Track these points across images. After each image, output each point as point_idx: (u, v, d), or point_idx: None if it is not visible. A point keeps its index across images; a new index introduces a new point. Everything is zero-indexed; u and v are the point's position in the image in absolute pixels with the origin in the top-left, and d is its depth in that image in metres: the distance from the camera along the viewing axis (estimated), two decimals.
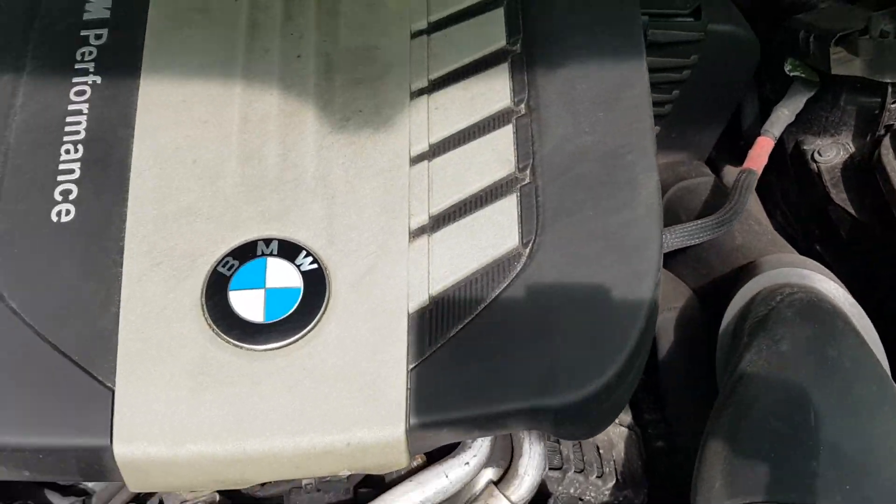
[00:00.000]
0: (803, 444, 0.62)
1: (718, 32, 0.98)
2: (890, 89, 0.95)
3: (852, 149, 1.02)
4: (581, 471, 0.84)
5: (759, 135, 0.99)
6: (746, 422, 0.66)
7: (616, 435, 0.88)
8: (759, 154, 0.97)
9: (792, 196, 1.08)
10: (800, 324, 0.73)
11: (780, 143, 1.06)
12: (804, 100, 1.01)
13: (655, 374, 0.94)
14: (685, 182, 1.07)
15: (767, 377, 0.68)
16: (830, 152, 1.03)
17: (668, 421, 0.92)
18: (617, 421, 0.89)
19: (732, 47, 1.00)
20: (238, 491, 0.81)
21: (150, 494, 0.84)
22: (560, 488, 0.84)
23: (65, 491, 0.85)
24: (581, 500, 0.84)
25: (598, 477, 0.85)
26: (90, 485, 0.85)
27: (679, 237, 0.91)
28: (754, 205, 1.09)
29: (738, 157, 1.05)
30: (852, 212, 0.99)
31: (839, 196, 1.01)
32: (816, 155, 1.04)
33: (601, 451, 0.85)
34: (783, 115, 1.00)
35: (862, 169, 0.99)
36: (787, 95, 1.02)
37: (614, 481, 0.86)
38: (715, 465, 0.66)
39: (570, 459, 0.85)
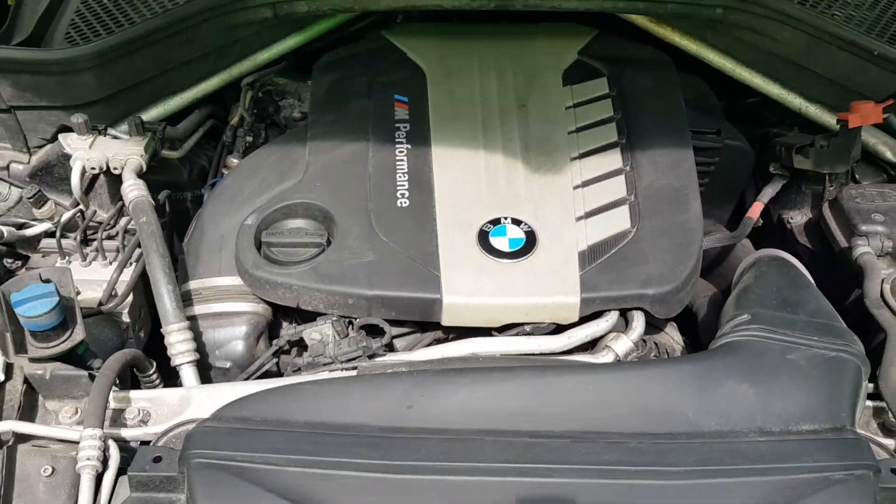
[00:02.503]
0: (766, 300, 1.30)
1: (731, 145, 1.74)
2: (827, 178, 1.69)
3: (810, 215, 1.75)
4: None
5: (755, 202, 1.73)
6: (747, 291, 1.35)
7: (675, 342, 1.55)
8: (755, 211, 1.71)
9: (777, 243, 1.80)
10: (777, 262, 1.44)
11: (769, 214, 1.79)
12: (780, 185, 1.76)
13: (695, 334, 1.62)
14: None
15: (756, 275, 1.38)
16: (798, 217, 1.77)
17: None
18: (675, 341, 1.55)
19: (739, 155, 1.77)
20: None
21: None
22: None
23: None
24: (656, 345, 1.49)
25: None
26: None
27: (710, 241, 1.63)
28: (747, 243, 1.79)
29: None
30: (810, 247, 1.70)
31: (802, 241, 1.72)
32: (790, 219, 1.77)
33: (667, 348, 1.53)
34: (768, 192, 1.75)
35: (815, 225, 1.72)
36: (770, 183, 1.77)
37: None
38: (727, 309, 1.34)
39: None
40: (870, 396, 1.29)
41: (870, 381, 1.28)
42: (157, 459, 1.07)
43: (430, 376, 1.14)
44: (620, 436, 1.06)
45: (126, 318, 1.48)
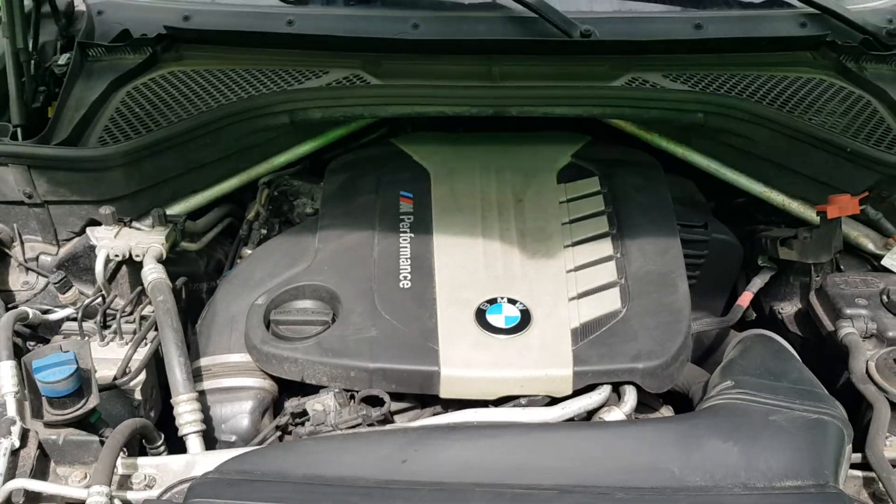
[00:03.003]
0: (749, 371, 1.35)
1: (718, 238, 1.84)
2: (812, 268, 1.77)
3: (799, 305, 1.82)
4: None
5: (745, 292, 1.81)
6: (732, 363, 1.40)
7: None
8: (745, 299, 1.78)
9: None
10: (761, 338, 1.50)
11: (761, 307, 1.86)
12: (769, 276, 1.84)
13: None
14: None
15: (741, 350, 1.43)
16: (788, 308, 1.83)
17: None
18: None
19: (728, 248, 1.85)
20: None
21: None
22: None
23: None
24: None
25: None
26: None
27: (700, 325, 1.69)
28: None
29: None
30: (801, 335, 1.76)
31: (793, 330, 1.78)
32: (780, 310, 1.84)
33: None
34: (757, 282, 1.82)
35: (805, 314, 1.78)
36: (759, 274, 1.85)
37: None
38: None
39: None
40: (859, 466, 1.32)
41: (858, 451, 1.31)
42: None
43: (424, 433, 1.19)
44: (607, 489, 1.09)
45: (138, 396, 1.53)
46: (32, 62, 1.94)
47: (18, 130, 1.84)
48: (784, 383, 1.30)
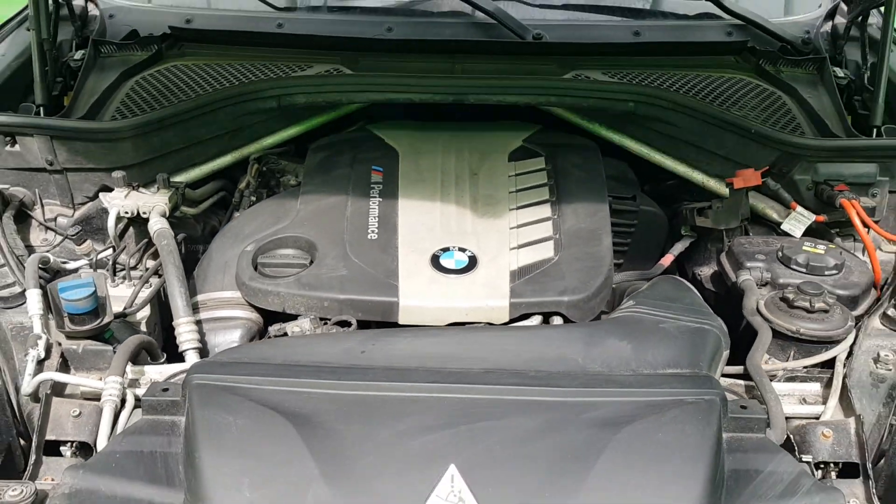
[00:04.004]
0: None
1: (645, 210, 2.13)
2: (724, 234, 2.06)
3: (715, 267, 2.10)
4: None
5: (667, 254, 2.10)
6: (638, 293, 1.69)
7: None
8: (667, 260, 2.07)
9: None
10: (668, 278, 1.79)
11: (685, 271, 2.15)
12: (689, 242, 2.13)
13: None
14: None
15: (649, 287, 1.72)
16: (705, 270, 2.12)
17: None
18: None
19: (653, 218, 2.15)
20: None
21: None
22: None
23: None
24: None
25: None
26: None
27: (623, 276, 1.99)
28: None
29: None
30: (715, 291, 2.04)
31: (709, 287, 2.07)
32: (699, 273, 2.13)
33: None
34: (678, 247, 2.12)
35: (718, 274, 2.06)
36: (680, 241, 2.14)
37: None
38: None
39: None
40: (743, 377, 1.60)
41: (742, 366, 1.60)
42: (165, 390, 1.38)
43: (379, 332, 1.47)
44: (523, 371, 1.37)
45: (144, 329, 1.80)
46: (52, 54, 2.24)
47: (41, 109, 2.13)
48: (677, 305, 1.58)
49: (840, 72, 2.40)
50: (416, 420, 1.26)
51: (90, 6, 2.57)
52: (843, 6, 2.56)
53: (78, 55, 2.37)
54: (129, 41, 2.37)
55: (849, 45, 2.50)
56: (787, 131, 2.11)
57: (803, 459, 1.43)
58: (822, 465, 1.46)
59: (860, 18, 2.44)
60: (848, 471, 1.46)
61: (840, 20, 2.54)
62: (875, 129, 2.14)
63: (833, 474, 1.46)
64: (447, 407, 1.28)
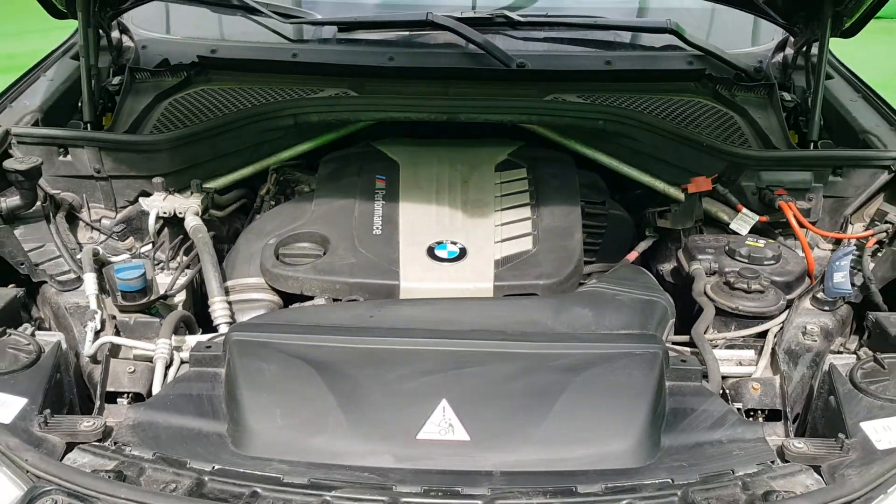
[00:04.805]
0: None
1: (614, 213, 2.45)
2: (682, 234, 2.38)
3: (674, 263, 2.41)
4: None
5: (632, 251, 2.41)
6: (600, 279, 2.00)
7: None
8: (631, 256, 2.38)
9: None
10: (628, 264, 2.10)
11: (650, 268, 2.46)
12: (651, 242, 2.45)
13: None
14: None
15: (611, 271, 2.03)
16: (666, 266, 2.43)
17: None
18: None
19: (621, 221, 2.46)
20: None
21: None
22: None
23: None
24: None
25: None
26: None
27: (590, 267, 2.29)
28: None
29: None
30: (673, 283, 2.35)
31: (669, 280, 2.37)
32: (661, 269, 2.44)
33: None
34: (642, 245, 2.43)
35: (677, 270, 2.37)
36: (644, 240, 2.45)
37: None
38: None
39: None
40: (689, 345, 1.90)
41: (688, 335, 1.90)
42: (209, 347, 1.68)
43: (385, 302, 1.78)
44: (502, 331, 1.67)
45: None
46: (97, 79, 2.57)
47: (89, 126, 2.45)
48: (632, 283, 1.89)
49: (788, 96, 2.74)
50: (414, 367, 1.56)
51: (125, 38, 2.90)
52: (791, 39, 2.91)
53: (115, 80, 2.70)
54: (161, 69, 2.70)
55: (796, 73, 2.84)
56: (735, 145, 2.44)
57: (735, 407, 1.72)
58: (751, 413, 1.76)
59: (804, 49, 2.78)
60: (773, 417, 1.76)
61: (790, 51, 2.89)
62: (812, 143, 2.48)
63: (760, 419, 1.75)
64: (440, 357, 1.59)
